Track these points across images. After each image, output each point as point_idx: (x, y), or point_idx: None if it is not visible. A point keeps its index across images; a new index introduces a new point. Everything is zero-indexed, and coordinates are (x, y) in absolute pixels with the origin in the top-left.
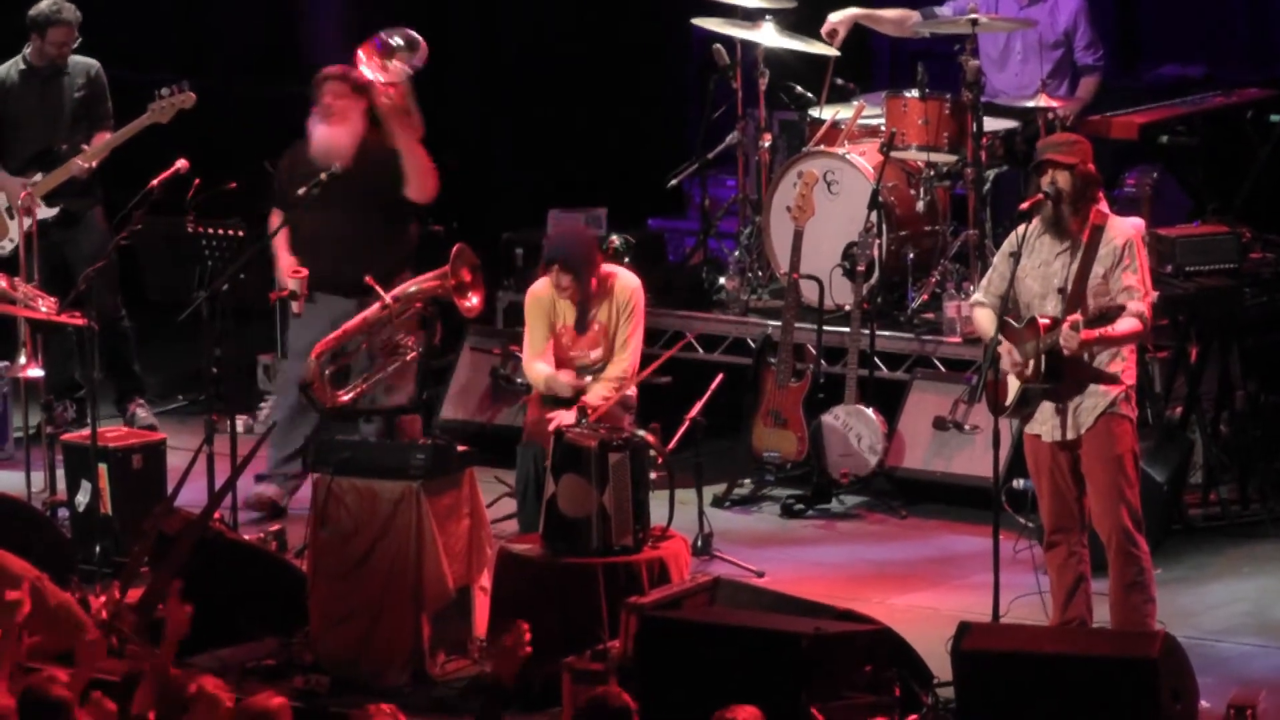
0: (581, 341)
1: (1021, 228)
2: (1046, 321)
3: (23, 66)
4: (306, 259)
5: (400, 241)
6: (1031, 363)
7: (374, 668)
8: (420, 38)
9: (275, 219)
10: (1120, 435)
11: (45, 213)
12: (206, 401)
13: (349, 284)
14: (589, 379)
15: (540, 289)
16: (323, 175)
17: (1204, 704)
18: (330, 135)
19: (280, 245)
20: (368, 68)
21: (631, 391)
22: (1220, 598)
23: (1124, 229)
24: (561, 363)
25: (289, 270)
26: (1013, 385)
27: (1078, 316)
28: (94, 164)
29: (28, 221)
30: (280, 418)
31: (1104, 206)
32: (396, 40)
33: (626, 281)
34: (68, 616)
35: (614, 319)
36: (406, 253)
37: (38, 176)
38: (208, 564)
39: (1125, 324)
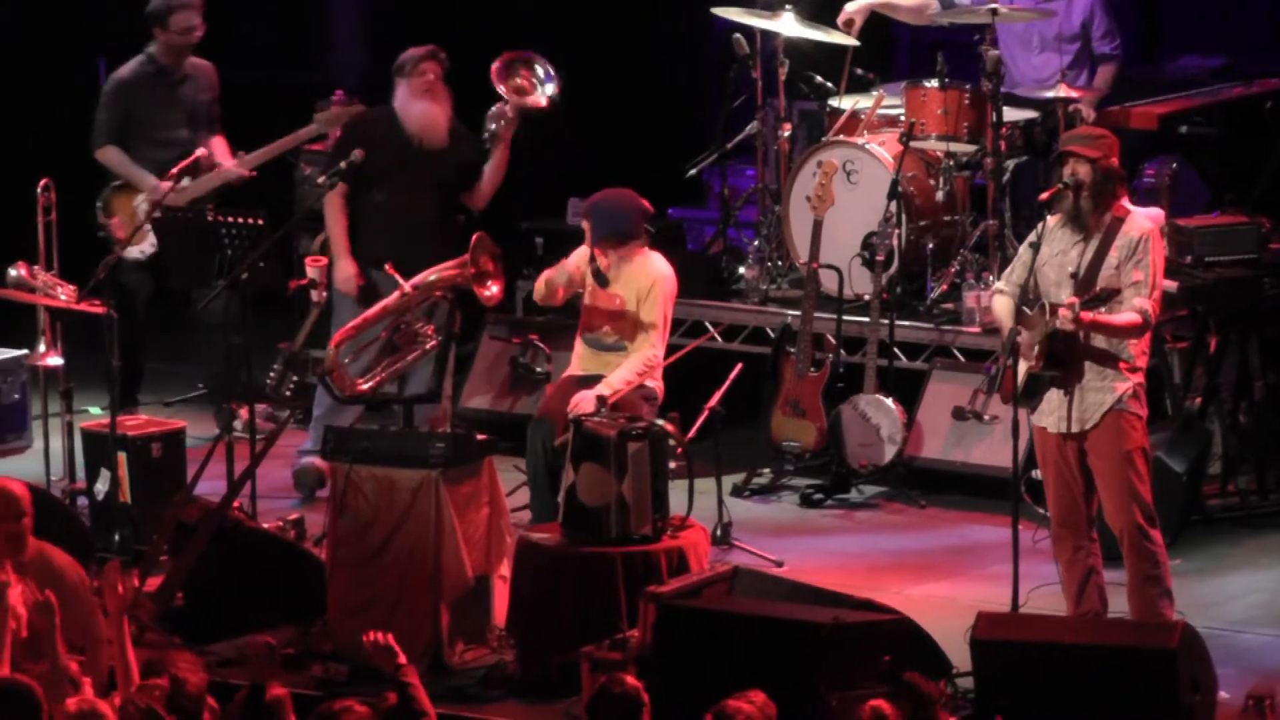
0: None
1: (1043, 221)
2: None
3: (150, 68)
4: (378, 237)
5: (460, 227)
6: (1036, 348)
7: None
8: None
9: (335, 200)
10: (1129, 431)
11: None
12: (226, 390)
13: (418, 265)
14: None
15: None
16: (349, 159)
17: (1223, 694)
18: (432, 113)
19: (337, 228)
20: (508, 84)
21: (657, 384)
22: (1239, 588)
23: (1143, 224)
24: (585, 331)
25: (345, 252)
26: (1022, 371)
27: (1074, 299)
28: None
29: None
30: (323, 405)
31: (1126, 202)
32: (540, 72)
33: (658, 267)
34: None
35: (639, 302)
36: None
37: (185, 181)
38: (226, 553)
39: (1125, 316)
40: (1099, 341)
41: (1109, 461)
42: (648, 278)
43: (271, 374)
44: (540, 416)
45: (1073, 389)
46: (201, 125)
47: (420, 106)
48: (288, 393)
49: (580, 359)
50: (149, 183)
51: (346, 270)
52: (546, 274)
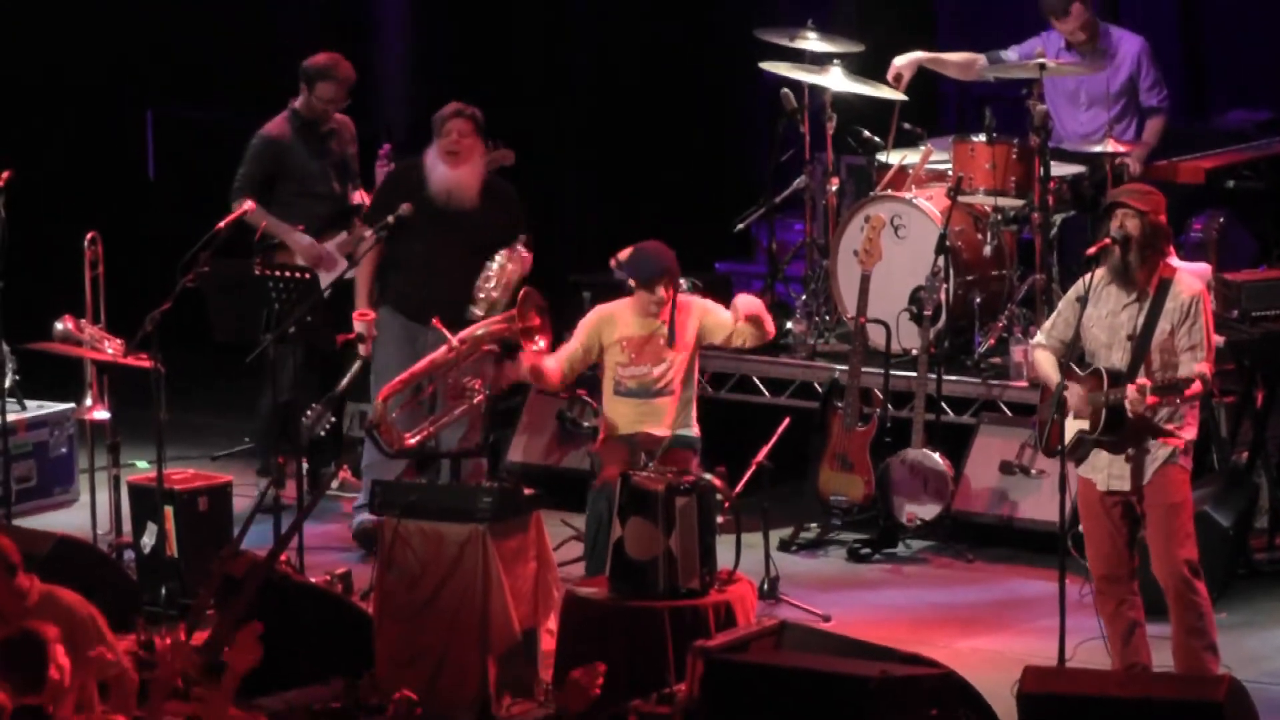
0: (645, 356)
1: (1090, 274)
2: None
3: (297, 122)
4: (410, 286)
5: None
6: (1092, 414)
7: (440, 710)
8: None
9: (365, 238)
10: (1178, 484)
11: (352, 272)
12: (273, 444)
13: (450, 317)
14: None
15: (611, 309)
16: (396, 213)
17: None
18: (458, 177)
19: (363, 275)
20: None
21: (695, 431)
22: None
23: (1191, 284)
24: (618, 377)
25: (364, 299)
26: (1069, 428)
27: (1146, 381)
28: None
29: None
30: (374, 456)
31: (1173, 260)
32: None
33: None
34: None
35: (692, 345)
36: None
37: (342, 236)
38: (274, 606)
39: (1188, 385)
40: (1161, 412)
41: (1157, 513)
42: (696, 318)
43: (309, 413)
44: (603, 484)
45: (1124, 451)
46: (349, 178)
47: (442, 170)
48: (322, 433)
49: (616, 419)
50: (294, 235)
51: (359, 308)
52: (547, 363)
